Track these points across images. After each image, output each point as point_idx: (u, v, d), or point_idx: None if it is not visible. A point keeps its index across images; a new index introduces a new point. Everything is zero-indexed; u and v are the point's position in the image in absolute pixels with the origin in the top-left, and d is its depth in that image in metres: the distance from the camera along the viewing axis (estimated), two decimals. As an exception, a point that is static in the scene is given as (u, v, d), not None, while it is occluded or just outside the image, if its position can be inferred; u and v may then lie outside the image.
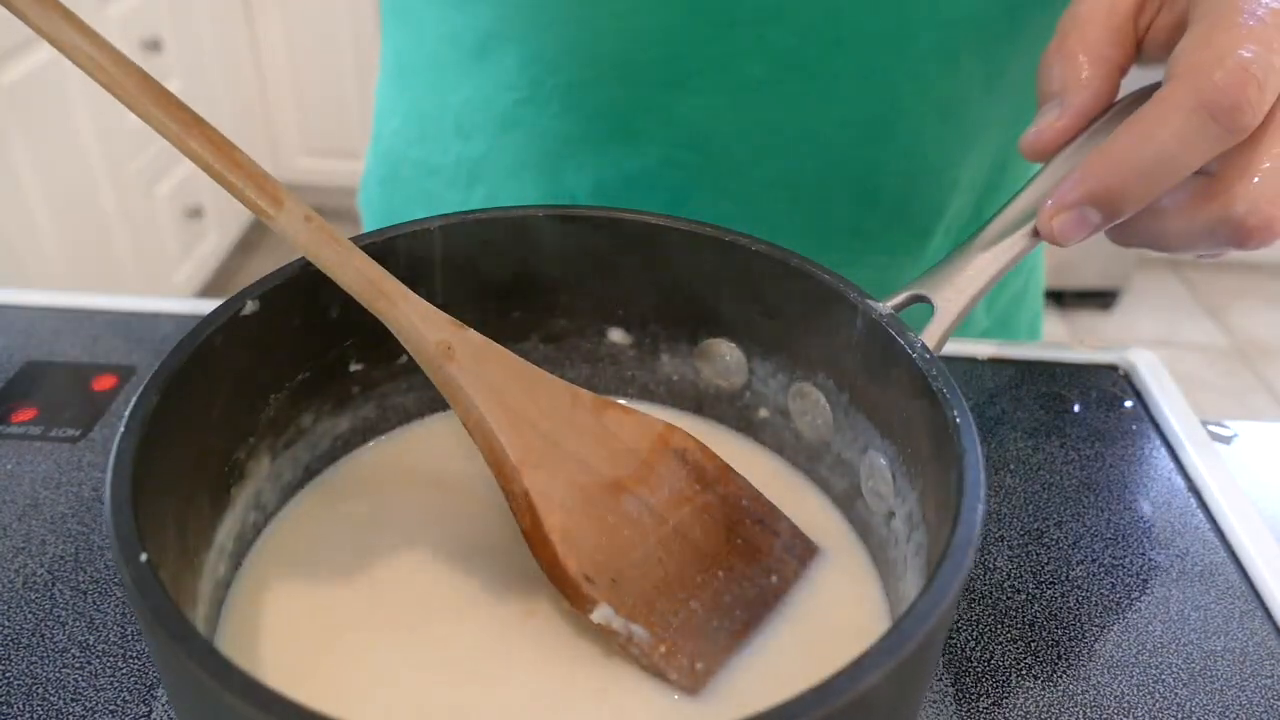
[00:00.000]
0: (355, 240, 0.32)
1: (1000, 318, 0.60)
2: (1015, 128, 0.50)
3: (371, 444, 0.37)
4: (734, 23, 0.44)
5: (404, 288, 0.29)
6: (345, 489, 0.36)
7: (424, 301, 0.30)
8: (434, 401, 0.38)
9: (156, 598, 0.21)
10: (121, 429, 0.25)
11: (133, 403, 0.26)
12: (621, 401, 0.37)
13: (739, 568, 0.32)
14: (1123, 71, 0.33)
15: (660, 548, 0.31)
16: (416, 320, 0.29)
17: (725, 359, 0.37)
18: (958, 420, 0.27)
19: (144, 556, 0.22)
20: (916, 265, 0.52)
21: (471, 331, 0.30)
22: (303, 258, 0.30)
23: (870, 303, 0.31)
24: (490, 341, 0.31)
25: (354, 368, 0.35)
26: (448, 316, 0.30)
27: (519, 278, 0.36)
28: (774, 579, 0.32)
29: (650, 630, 0.29)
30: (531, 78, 0.48)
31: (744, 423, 0.38)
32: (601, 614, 0.29)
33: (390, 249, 0.33)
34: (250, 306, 0.30)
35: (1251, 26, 0.28)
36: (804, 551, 0.33)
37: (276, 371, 0.32)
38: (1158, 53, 0.33)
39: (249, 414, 0.32)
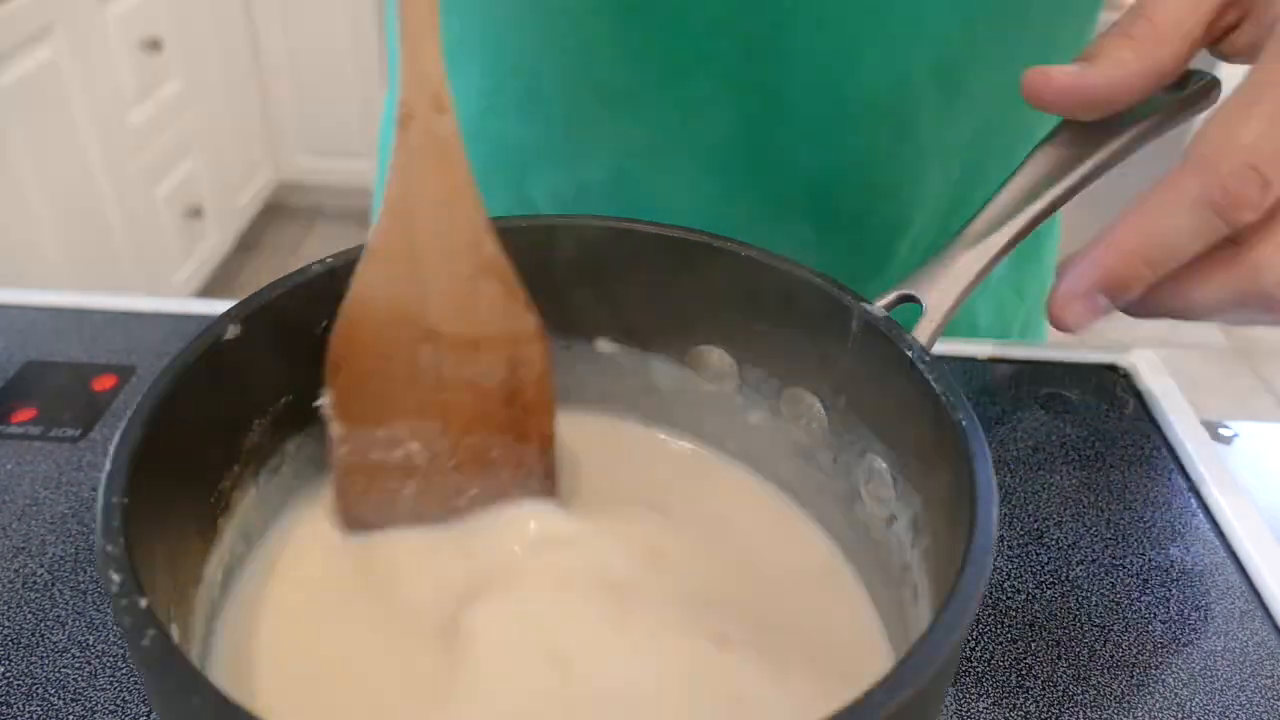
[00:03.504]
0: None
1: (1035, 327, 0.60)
2: (979, 149, 0.50)
3: None
4: (678, 35, 0.44)
5: (438, 42, 0.28)
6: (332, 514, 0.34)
7: (439, 63, 0.28)
8: None
9: (162, 647, 0.21)
10: (107, 469, 0.24)
11: (115, 443, 0.25)
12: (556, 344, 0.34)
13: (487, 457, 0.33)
14: (1164, 77, 0.32)
15: (422, 404, 0.31)
16: (410, 68, 0.28)
17: (715, 365, 0.37)
18: (963, 423, 0.26)
19: (144, 603, 0.21)
20: (879, 283, 0.52)
21: (447, 118, 0.29)
22: (280, 278, 0.31)
23: (864, 305, 0.31)
24: (454, 140, 0.29)
25: None
26: (442, 87, 0.28)
27: None
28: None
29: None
30: (493, 86, 0.49)
31: (736, 428, 0.38)
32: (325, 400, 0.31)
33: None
34: (232, 331, 0.29)
35: (1272, 113, 0.28)
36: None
37: (260, 396, 0.32)
38: (1234, 55, 0.33)
39: (233, 442, 0.31)
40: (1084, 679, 0.33)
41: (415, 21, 0.28)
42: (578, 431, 0.37)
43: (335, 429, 0.32)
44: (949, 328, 0.33)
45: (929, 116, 0.47)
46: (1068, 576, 0.37)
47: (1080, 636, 0.35)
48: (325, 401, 0.31)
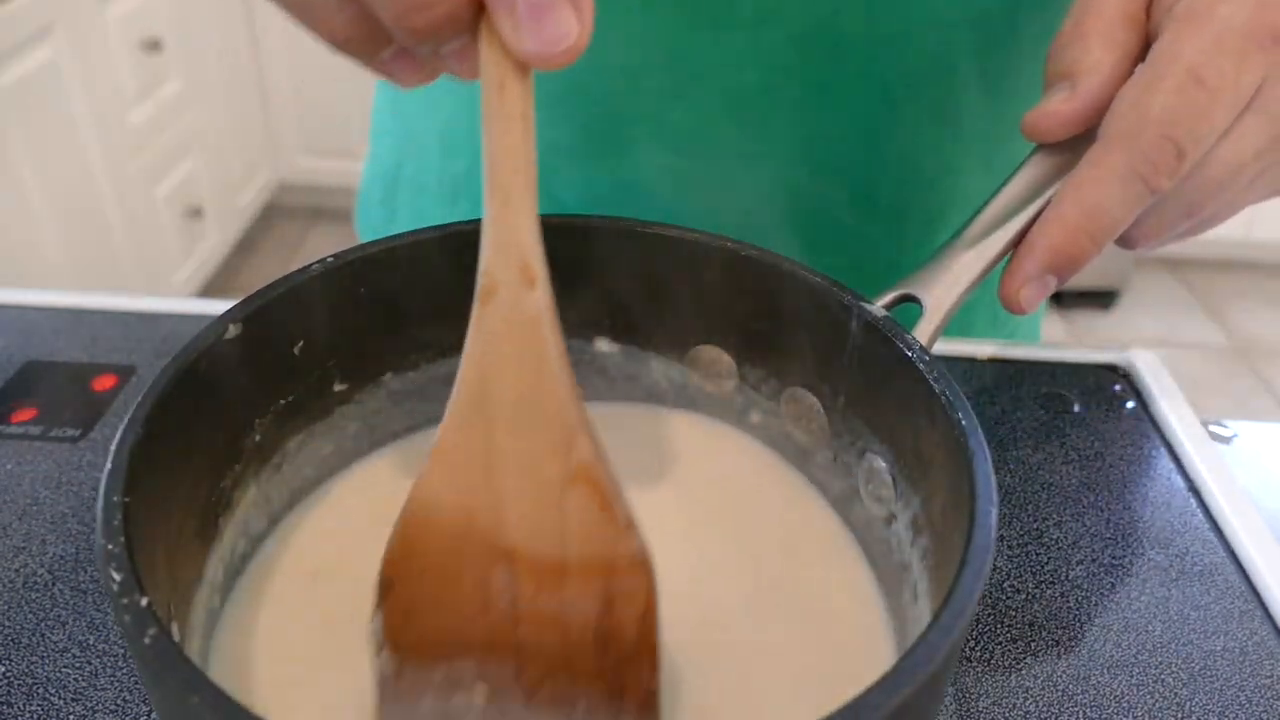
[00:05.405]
0: (346, 252, 0.32)
1: (1012, 329, 0.60)
2: (1017, 142, 0.50)
3: (359, 464, 0.36)
4: (730, 28, 0.44)
5: (534, 198, 0.23)
6: (334, 511, 0.35)
7: (532, 226, 0.24)
8: (420, 419, 0.37)
9: (163, 646, 0.21)
10: (108, 467, 0.24)
11: (116, 441, 0.25)
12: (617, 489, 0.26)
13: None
14: (1135, 60, 0.33)
15: (493, 640, 0.26)
16: (494, 239, 0.23)
17: (715, 365, 0.37)
18: (963, 423, 0.26)
19: (144, 601, 0.21)
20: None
21: (538, 295, 0.24)
22: (281, 278, 0.30)
23: (865, 305, 0.31)
24: (545, 321, 0.24)
25: (338, 388, 0.34)
26: (534, 255, 0.24)
27: None
28: None
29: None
30: None
31: (736, 428, 0.38)
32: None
33: (380, 260, 0.33)
34: (233, 330, 0.29)
35: (1185, 89, 0.29)
36: None
37: (261, 396, 0.32)
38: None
39: (235, 442, 0.31)
40: (1084, 679, 0.33)
41: (507, 169, 0.23)
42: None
43: (384, 661, 0.26)
44: (949, 327, 0.33)
45: (971, 107, 0.47)
46: (1068, 576, 0.37)
47: (1080, 636, 0.35)
48: (374, 627, 0.26)
